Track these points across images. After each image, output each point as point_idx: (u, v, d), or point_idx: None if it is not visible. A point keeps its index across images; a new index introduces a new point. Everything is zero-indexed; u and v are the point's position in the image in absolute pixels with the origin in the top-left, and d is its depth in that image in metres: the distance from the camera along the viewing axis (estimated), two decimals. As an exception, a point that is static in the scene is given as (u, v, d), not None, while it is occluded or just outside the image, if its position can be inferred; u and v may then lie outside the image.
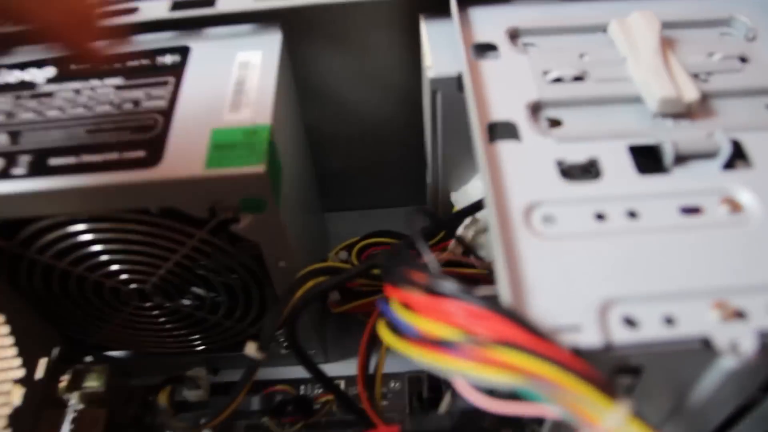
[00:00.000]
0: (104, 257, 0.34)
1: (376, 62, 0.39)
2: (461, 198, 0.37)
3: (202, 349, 0.42)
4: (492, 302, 0.21)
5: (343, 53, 0.38)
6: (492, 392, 0.22)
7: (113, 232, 0.32)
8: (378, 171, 0.48)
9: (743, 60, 0.30)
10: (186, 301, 0.37)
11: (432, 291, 0.22)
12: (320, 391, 0.44)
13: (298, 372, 0.42)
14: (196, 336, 0.40)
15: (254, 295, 0.36)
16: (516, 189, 0.25)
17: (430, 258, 0.25)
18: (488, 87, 0.29)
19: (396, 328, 0.23)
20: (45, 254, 0.34)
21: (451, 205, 0.39)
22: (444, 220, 0.34)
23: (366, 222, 0.48)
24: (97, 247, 0.33)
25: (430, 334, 0.21)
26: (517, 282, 0.22)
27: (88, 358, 0.44)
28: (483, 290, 0.25)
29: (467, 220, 0.35)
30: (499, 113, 0.28)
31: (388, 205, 0.51)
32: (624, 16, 0.32)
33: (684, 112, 0.28)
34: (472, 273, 0.34)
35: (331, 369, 0.44)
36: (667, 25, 0.31)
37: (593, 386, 0.19)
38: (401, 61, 0.39)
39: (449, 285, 0.22)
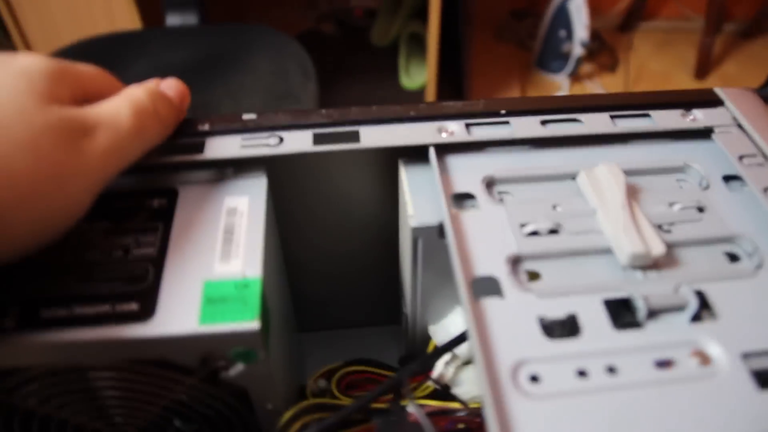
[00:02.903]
0: (88, 403, 0.34)
1: (355, 200, 0.41)
2: (440, 331, 0.38)
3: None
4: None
5: (324, 193, 0.40)
6: None
7: (100, 380, 0.33)
8: (353, 294, 0.49)
9: (700, 209, 0.33)
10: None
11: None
12: None
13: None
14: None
15: (238, 435, 0.37)
16: (502, 347, 0.26)
17: (424, 420, 0.26)
18: (469, 240, 0.31)
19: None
20: (28, 401, 0.33)
21: (428, 336, 0.40)
22: (427, 357, 0.35)
23: (340, 342, 0.49)
24: (81, 394, 0.33)
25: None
26: (510, 446, 0.24)
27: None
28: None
29: (447, 357, 0.36)
30: (481, 268, 0.30)
31: (362, 325, 0.52)
32: (591, 163, 0.35)
33: (651, 264, 0.30)
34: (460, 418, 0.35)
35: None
36: (629, 172, 0.34)
37: None
38: (380, 199, 0.41)
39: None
